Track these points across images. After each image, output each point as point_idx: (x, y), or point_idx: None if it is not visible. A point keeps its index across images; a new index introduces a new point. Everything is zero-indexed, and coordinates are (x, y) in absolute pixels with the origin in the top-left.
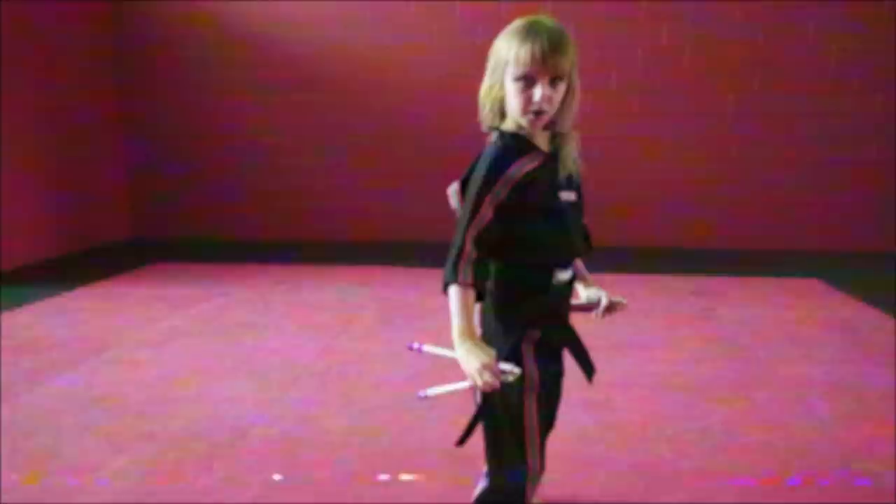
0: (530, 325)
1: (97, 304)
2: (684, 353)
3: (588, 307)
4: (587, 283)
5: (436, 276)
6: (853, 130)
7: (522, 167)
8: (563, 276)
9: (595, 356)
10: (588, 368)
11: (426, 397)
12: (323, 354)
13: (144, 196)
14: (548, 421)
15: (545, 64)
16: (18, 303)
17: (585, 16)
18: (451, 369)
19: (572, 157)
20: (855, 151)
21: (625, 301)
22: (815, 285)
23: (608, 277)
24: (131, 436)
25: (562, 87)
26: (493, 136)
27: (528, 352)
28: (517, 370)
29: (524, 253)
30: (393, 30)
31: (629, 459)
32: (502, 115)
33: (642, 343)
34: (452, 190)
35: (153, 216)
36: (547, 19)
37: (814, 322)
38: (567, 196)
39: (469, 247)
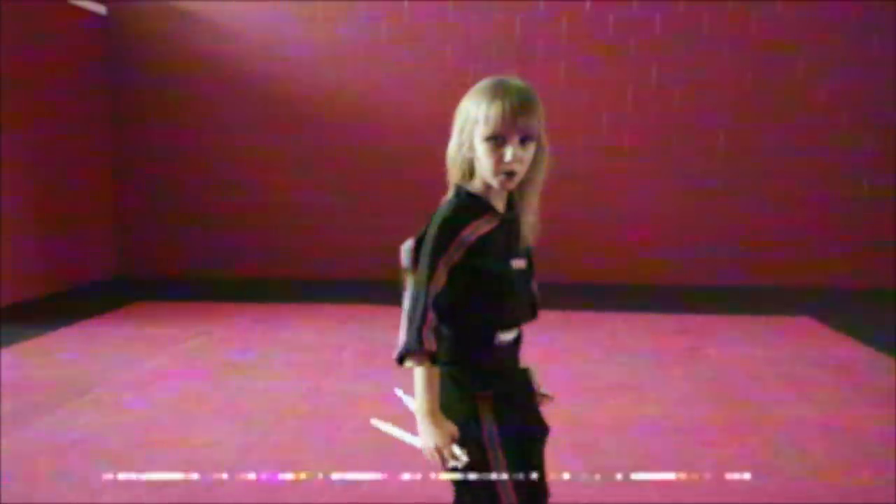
0: (481, 386)
1: (80, 345)
2: (673, 395)
3: None
4: None
5: None
6: (843, 167)
7: (476, 230)
8: (506, 336)
9: (583, 398)
10: (539, 428)
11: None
12: (307, 396)
13: (130, 234)
14: (534, 482)
15: (515, 123)
16: (2, 343)
17: (576, 55)
18: None
19: (532, 222)
20: (845, 188)
21: (551, 396)
22: (805, 323)
23: (592, 315)
24: (107, 483)
25: (532, 148)
26: (450, 194)
27: (484, 411)
28: (464, 458)
29: (466, 316)
30: (387, 70)
31: None
32: (471, 174)
33: (630, 384)
34: (406, 248)
35: (139, 254)
36: (515, 78)
37: (806, 362)
38: (518, 263)
39: (430, 313)
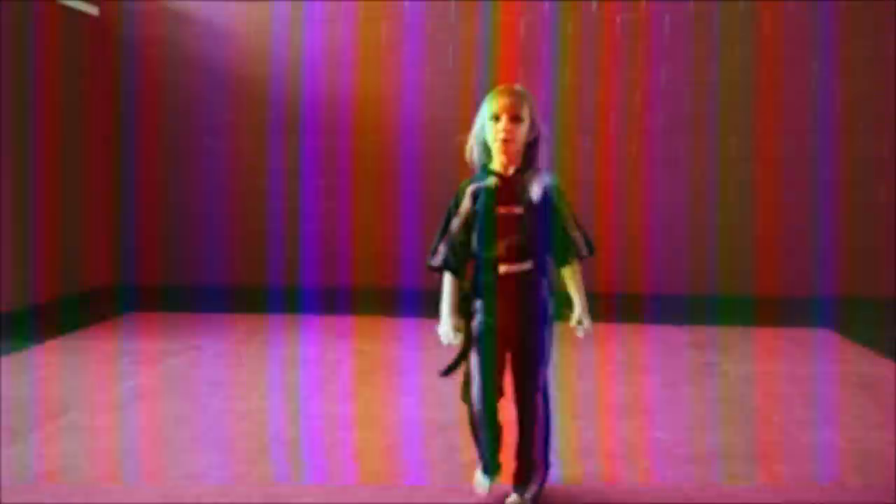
0: (476, 301)
1: (63, 360)
2: (690, 417)
3: None
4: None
5: (421, 326)
6: (861, 172)
7: (478, 185)
8: (508, 268)
9: (593, 421)
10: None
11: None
12: (296, 420)
13: (127, 241)
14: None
15: (506, 108)
16: None
17: (583, 58)
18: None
19: (533, 182)
20: (864, 194)
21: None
22: (825, 336)
23: (599, 327)
24: None
25: (522, 126)
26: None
27: (473, 320)
28: (455, 342)
29: (476, 250)
30: (386, 72)
31: None
32: (489, 154)
33: (642, 405)
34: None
35: (136, 261)
36: (515, 86)
37: (830, 379)
38: (508, 209)
39: (441, 246)
